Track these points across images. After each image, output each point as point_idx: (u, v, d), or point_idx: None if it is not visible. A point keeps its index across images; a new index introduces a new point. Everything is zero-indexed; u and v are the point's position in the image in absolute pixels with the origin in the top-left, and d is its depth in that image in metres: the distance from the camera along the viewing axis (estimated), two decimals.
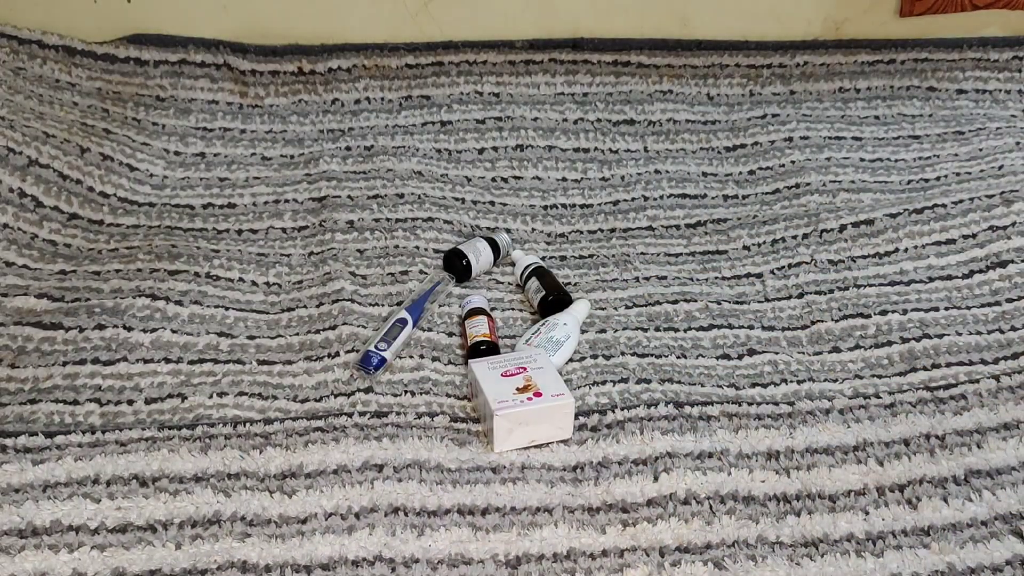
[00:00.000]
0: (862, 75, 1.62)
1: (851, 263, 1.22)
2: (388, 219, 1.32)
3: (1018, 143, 1.47)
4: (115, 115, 1.46)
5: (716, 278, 1.24)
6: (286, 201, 1.37)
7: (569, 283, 1.22)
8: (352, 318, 1.10)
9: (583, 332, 1.10)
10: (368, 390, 0.99)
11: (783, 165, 1.47)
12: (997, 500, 0.84)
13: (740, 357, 1.07)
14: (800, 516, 0.83)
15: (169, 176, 1.41)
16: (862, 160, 1.47)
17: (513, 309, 1.18)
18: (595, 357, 1.06)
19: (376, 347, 1.03)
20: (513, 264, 1.25)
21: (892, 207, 1.30)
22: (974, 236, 1.23)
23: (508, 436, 0.89)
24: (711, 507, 0.83)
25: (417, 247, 1.28)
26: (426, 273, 1.22)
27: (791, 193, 1.40)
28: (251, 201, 1.37)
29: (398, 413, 0.93)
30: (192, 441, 0.88)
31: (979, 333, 1.07)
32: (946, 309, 1.12)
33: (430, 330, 1.10)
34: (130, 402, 0.96)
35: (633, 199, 1.41)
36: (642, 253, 1.30)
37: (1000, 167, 1.40)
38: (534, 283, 1.17)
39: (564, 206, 1.40)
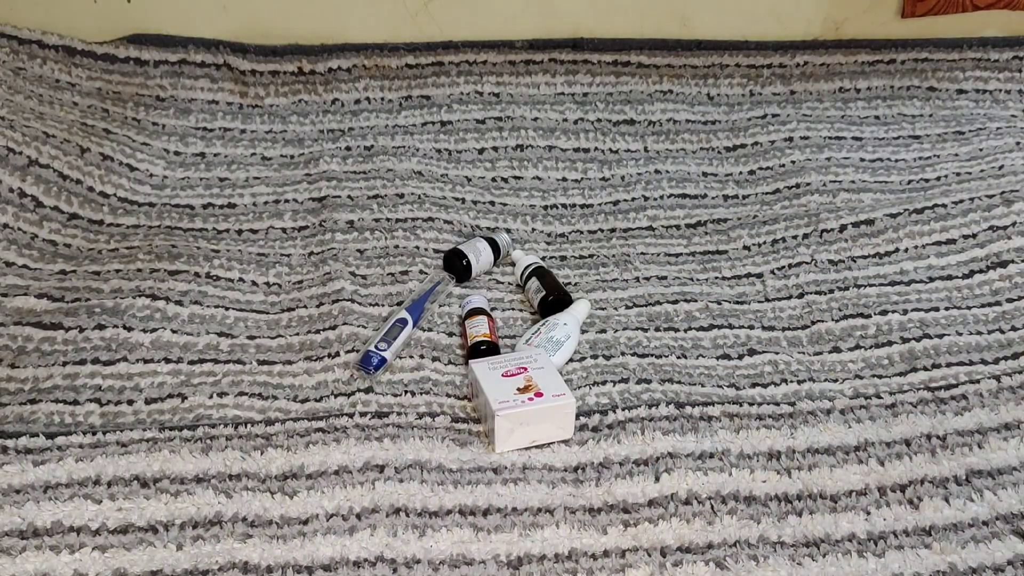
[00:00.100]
0: (862, 75, 1.62)
1: (851, 263, 1.22)
2: (388, 219, 1.32)
3: (1018, 143, 1.47)
4: (115, 115, 1.46)
5: (716, 278, 1.24)
6: (286, 201, 1.37)
7: (569, 283, 1.22)
8: (352, 318, 1.10)
9: (583, 332, 1.10)
10: (368, 390, 0.99)
11: (783, 165, 1.47)
12: (998, 500, 0.84)
13: (740, 357, 1.07)
14: (801, 516, 0.83)
15: (169, 176, 1.41)
16: (862, 160, 1.48)
17: (513, 309, 1.18)
18: (595, 357, 1.06)
19: (376, 347, 1.03)
20: (513, 264, 1.25)
21: (892, 207, 1.30)
22: (974, 236, 1.23)
23: (509, 436, 0.89)
24: (712, 507, 0.83)
25: (417, 247, 1.28)
26: (426, 273, 1.22)
27: (791, 193, 1.40)
28: (251, 201, 1.37)
29: (399, 413, 0.93)
30: (193, 442, 0.88)
31: (979, 333, 1.07)
32: (946, 309, 1.12)
33: (430, 330, 1.10)
34: (130, 402, 0.96)
35: (633, 199, 1.41)
36: (642, 253, 1.30)
37: (1000, 167, 1.40)
38: (534, 283, 1.17)
39: (564, 206, 1.40)
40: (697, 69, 1.59)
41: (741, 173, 1.48)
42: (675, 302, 1.17)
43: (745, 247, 1.30)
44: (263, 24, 1.51)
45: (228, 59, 1.50)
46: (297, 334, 1.09)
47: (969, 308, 1.12)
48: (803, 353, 1.07)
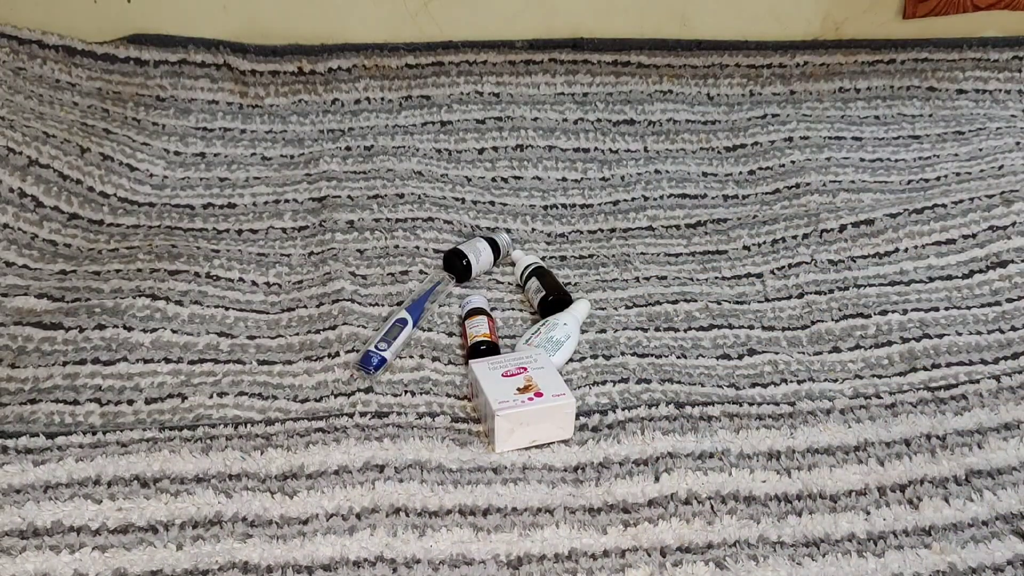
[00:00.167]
0: (862, 75, 1.62)
1: (851, 263, 1.22)
2: (388, 219, 1.32)
3: (1018, 143, 1.47)
4: (115, 115, 1.46)
5: (716, 278, 1.24)
6: (286, 201, 1.37)
7: (569, 283, 1.22)
8: (352, 318, 1.10)
9: (583, 332, 1.10)
10: (368, 390, 0.99)
11: (783, 165, 1.47)
12: (998, 500, 0.84)
13: (740, 357, 1.07)
14: (801, 516, 0.83)
15: (169, 176, 1.41)
16: (862, 160, 1.48)
17: (513, 309, 1.18)
18: (595, 357, 1.06)
19: (376, 347, 1.03)
20: (513, 264, 1.25)
21: (892, 207, 1.30)
22: (974, 236, 1.23)
23: (509, 436, 0.89)
24: (712, 507, 0.83)
25: (417, 247, 1.28)
26: (426, 273, 1.22)
27: (791, 193, 1.40)
28: (251, 201, 1.37)
29: (399, 413, 0.93)
30: (193, 442, 0.88)
31: (979, 333, 1.07)
32: (946, 309, 1.12)
33: (430, 330, 1.10)
34: (130, 402, 0.96)
35: (633, 199, 1.41)
36: (642, 253, 1.30)
37: (1000, 167, 1.40)
38: (534, 283, 1.17)
39: (564, 206, 1.41)
40: (697, 69, 1.59)
41: (741, 173, 1.48)
42: (675, 302, 1.17)
43: (745, 247, 1.30)
44: (263, 24, 1.52)
45: (228, 59, 1.50)
46: (297, 334, 1.09)
47: (969, 308, 1.12)
48: (803, 353, 1.07)
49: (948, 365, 1.03)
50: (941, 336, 1.07)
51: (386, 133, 1.50)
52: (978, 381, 0.97)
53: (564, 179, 1.46)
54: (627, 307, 1.16)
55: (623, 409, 0.94)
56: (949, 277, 1.18)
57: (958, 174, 1.41)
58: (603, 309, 1.16)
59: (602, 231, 1.36)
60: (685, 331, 1.11)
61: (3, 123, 1.28)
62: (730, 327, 1.12)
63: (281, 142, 1.49)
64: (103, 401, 0.96)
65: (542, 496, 0.84)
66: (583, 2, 1.54)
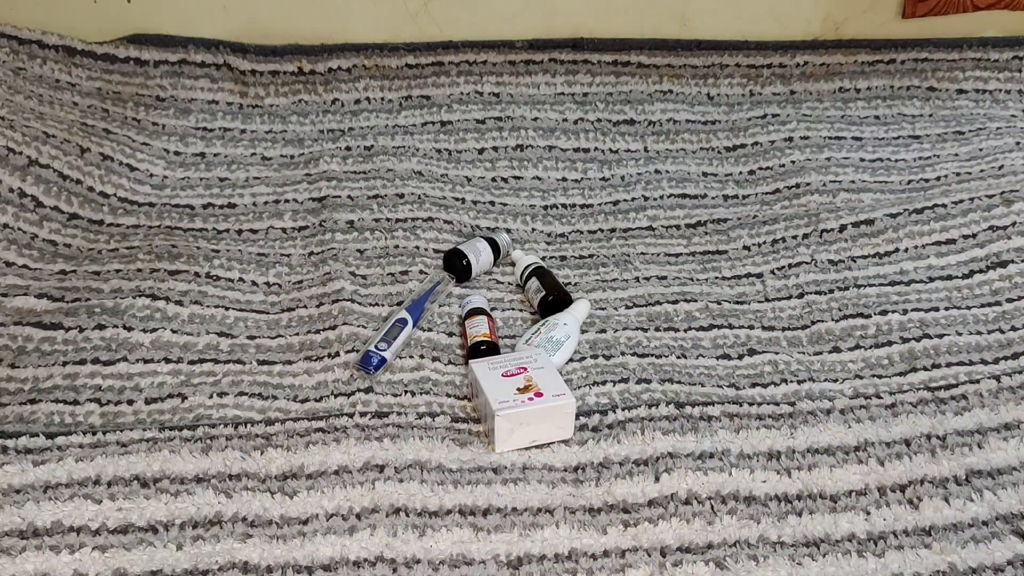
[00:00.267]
0: (862, 75, 1.62)
1: (851, 263, 1.22)
2: (388, 219, 1.32)
3: (1018, 143, 1.47)
4: (115, 115, 1.46)
5: (716, 278, 1.24)
6: (286, 201, 1.37)
7: (569, 283, 1.22)
8: (352, 318, 1.10)
9: (583, 332, 1.10)
10: (368, 390, 0.99)
11: (783, 165, 1.47)
12: (998, 500, 0.84)
13: (740, 357, 1.07)
14: (801, 516, 0.83)
15: (169, 176, 1.41)
16: (862, 160, 1.48)
17: (513, 309, 1.18)
18: (595, 357, 1.06)
19: (376, 347, 1.03)
20: (513, 264, 1.25)
21: (892, 207, 1.30)
22: (974, 236, 1.23)
23: (509, 436, 0.89)
24: (712, 507, 0.83)
25: (417, 247, 1.28)
26: (426, 273, 1.22)
27: (791, 193, 1.40)
28: (251, 201, 1.37)
29: (399, 413, 0.93)
30: (193, 442, 0.88)
31: (979, 333, 1.07)
32: (946, 309, 1.12)
33: (430, 330, 1.10)
34: (130, 402, 0.96)
35: (633, 199, 1.41)
36: (642, 253, 1.30)
37: (1000, 167, 1.40)
38: (534, 283, 1.17)
39: (564, 206, 1.41)
40: (697, 69, 1.59)
41: (741, 173, 1.48)
42: (675, 302, 1.17)
43: (745, 247, 1.30)
44: (263, 24, 1.52)
45: (228, 59, 1.50)
46: (297, 334, 1.09)
47: (969, 308, 1.12)
48: (803, 353, 1.07)
49: (948, 365, 1.03)
50: (941, 336, 1.06)
51: (386, 133, 1.50)
52: (978, 381, 0.97)
53: (564, 179, 1.46)
54: (627, 307, 1.16)
55: (623, 409, 0.94)
56: (949, 277, 1.18)
57: (958, 174, 1.41)
58: (603, 309, 1.16)
59: (602, 231, 1.36)
60: (685, 331, 1.11)
61: (3, 123, 1.28)
62: (730, 327, 1.12)
63: (281, 142, 1.49)
64: (103, 401, 0.96)
65: (542, 496, 0.84)
66: (583, 2, 1.54)
